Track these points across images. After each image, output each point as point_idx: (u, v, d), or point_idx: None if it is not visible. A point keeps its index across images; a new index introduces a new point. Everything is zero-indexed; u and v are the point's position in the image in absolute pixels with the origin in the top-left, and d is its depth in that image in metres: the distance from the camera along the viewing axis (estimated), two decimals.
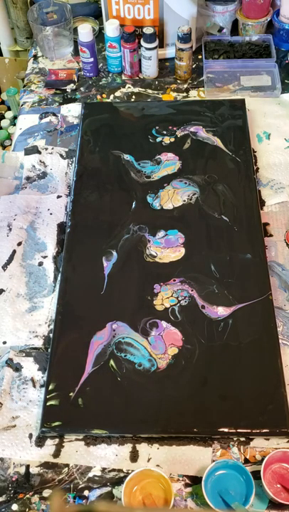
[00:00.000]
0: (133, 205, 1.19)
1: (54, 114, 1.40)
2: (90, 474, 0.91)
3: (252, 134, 1.32)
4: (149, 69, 1.45)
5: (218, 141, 1.29)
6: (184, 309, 1.04)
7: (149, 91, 1.45)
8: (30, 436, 0.94)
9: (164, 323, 1.03)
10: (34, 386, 0.99)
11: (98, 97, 1.44)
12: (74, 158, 1.29)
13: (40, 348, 1.03)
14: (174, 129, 1.32)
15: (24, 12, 1.70)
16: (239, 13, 1.49)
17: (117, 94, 1.44)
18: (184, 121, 1.33)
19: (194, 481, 0.89)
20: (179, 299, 1.05)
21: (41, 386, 0.99)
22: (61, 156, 1.31)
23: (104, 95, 1.44)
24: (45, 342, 1.04)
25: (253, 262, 1.09)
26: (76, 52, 1.51)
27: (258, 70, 1.45)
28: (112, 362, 0.99)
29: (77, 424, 0.94)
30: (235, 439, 0.93)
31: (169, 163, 1.26)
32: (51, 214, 1.20)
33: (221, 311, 1.04)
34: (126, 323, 1.03)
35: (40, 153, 1.30)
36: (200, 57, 1.48)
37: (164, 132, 1.32)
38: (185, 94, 1.43)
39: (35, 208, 1.21)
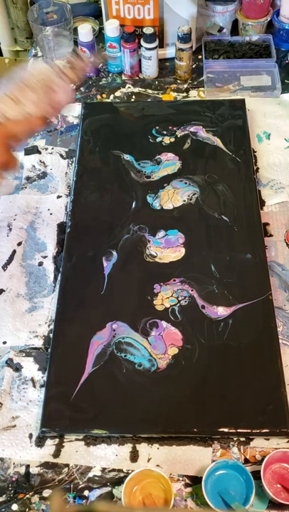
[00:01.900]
0: (133, 205, 1.19)
1: None
2: (90, 474, 0.91)
3: (252, 134, 1.32)
4: (149, 69, 1.45)
5: (218, 141, 1.29)
6: (184, 309, 1.04)
7: (149, 91, 1.45)
8: (30, 436, 0.94)
9: (164, 323, 1.03)
10: (34, 386, 0.99)
11: (98, 97, 1.44)
12: (74, 158, 1.29)
13: (40, 348, 1.03)
14: (174, 129, 1.32)
15: (24, 12, 1.70)
16: (239, 13, 1.49)
17: (117, 94, 1.44)
18: (184, 121, 1.33)
19: (194, 481, 0.89)
20: (179, 299, 1.05)
21: (41, 386, 0.99)
22: (61, 156, 1.31)
23: (104, 95, 1.44)
24: (45, 342, 1.04)
25: (253, 262, 1.09)
26: None
27: (258, 70, 1.45)
28: (112, 362, 0.99)
29: (77, 424, 0.94)
30: (235, 439, 0.93)
31: (169, 163, 1.26)
32: (51, 214, 1.20)
33: (221, 311, 1.04)
34: (126, 323, 1.03)
35: (40, 153, 1.30)
36: (200, 57, 1.48)
37: (164, 132, 1.32)
38: (185, 94, 1.43)
39: (35, 208, 1.21)
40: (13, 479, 0.91)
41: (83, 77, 1.05)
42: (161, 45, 1.45)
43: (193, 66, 1.47)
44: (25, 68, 0.95)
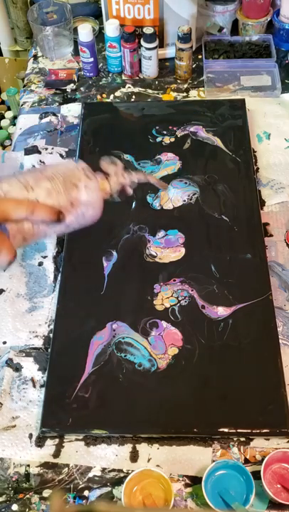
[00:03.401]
0: (133, 205, 1.19)
1: (54, 114, 1.40)
2: (90, 474, 0.91)
3: (252, 134, 1.32)
4: (149, 69, 1.45)
5: (218, 141, 1.29)
6: (184, 309, 1.04)
7: (149, 91, 1.45)
8: (30, 436, 0.94)
9: (164, 323, 1.03)
10: (34, 386, 0.99)
11: (98, 97, 1.44)
12: (74, 158, 1.29)
13: (40, 348, 1.03)
14: (174, 129, 1.32)
15: (24, 12, 1.70)
16: (239, 13, 1.49)
17: (117, 94, 1.44)
18: (184, 121, 1.33)
19: (194, 481, 0.89)
20: (179, 298, 1.05)
21: (41, 386, 0.99)
22: (61, 156, 1.31)
23: (104, 95, 1.44)
24: (45, 342, 1.04)
25: (253, 262, 1.09)
26: (76, 52, 1.51)
27: (258, 70, 1.45)
28: (112, 362, 0.99)
29: (77, 424, 0.94)
30: (235, 439, 0.93)
31: (169, 163, 1.26)
32: None
33: (221, 311, 1.04)
34: (126, 323, 1.03)
35: (40, 153, 1.30)
36: (200, 57, 1.48)
37: (164, 132, 1.32)
38: (185, 94, 1.43)
39: None
40: (13, 479, 0.91)
41: (116, 193, 0.93)
42: (161, 45, 1.45)
43: (193, 66, 1.47)
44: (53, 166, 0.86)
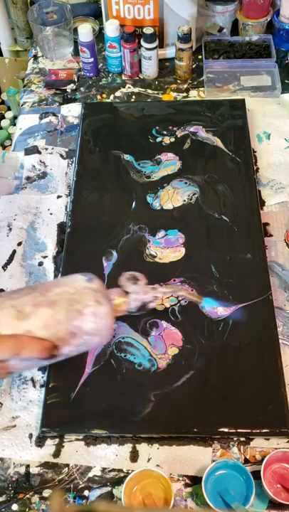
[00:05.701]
0: (133, 205, 1.19)
1: (54, 114, 1.40)
2: (90, 474, 0.91)
3: (252, 134, 1.32)
4: (149, 69, 1.45)
5: (218, 141, 1.29)
6: (184, 309, 1.04)
7: (149, 91, 1.45)
8: (30, 436, 0.94)
9: (164, 323, 1.03)
10: (34, 386, 0.99)
11: (98, 97, 1.44)
12: (74, 158, 1.29)
13: None
14: (174, 129, 1.32)
15: (24, 12, 1.70)
16: (239, 13, 1.49)
17: (117, 94, 1.44)
18: (183, 121, 1.33)
19: (194, 481, 0.89)
20: (179, 298, 1.05)
21: (41, 386, 0.99)
22: (61, 156, 1.31)
23: (104, 95, 1.44)
24: None
25: (253, 262, 1.09)
26: (76, 52, 1.51)
27: (258, 70, 1.45)
28: (112, 362, 0.99)
29: (77, 424, 0.94)
30: (235, 439, 0.93)
31: (169, 163, 1.26)
32: (51, 214, 1.20)
33: (221, 311, 1.04)
34: (126, 323, 1.03)
35: (40, 153, 1.30)
36: (200, 57, 1.48)
37: (164, 132, 1.32)
38: (185, 94, 1.43)
39: (35, 208, 1.21)
40: (13, 479, 0.91)
41: (136, 309, 0.89)
42: (161, 45, 1.45)
43: (193, 66, 1.47)
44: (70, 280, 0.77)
